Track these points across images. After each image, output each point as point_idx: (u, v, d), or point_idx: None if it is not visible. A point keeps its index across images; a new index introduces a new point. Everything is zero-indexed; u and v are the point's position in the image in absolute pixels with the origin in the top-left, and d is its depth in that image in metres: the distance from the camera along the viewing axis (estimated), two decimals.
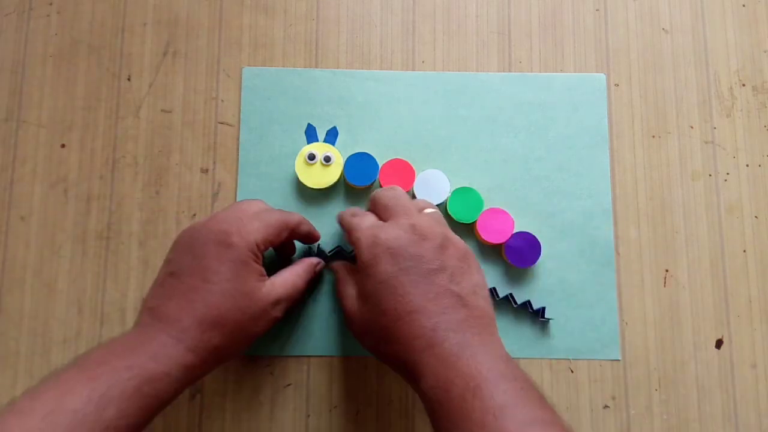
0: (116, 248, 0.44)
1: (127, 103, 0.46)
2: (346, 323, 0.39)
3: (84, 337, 0.43)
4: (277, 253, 0.43)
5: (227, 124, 0.46)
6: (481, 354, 0.32)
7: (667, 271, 0.45)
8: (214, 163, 0.45)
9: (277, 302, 0.36)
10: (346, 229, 0.39)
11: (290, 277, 0.38)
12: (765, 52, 0.48)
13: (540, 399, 0.31)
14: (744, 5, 0.48)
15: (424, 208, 0.39)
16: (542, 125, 0.46)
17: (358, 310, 0.36)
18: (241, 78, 0.46)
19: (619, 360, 0.43)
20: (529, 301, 0.43)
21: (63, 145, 0.45)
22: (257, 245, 0.36)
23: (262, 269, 0.36)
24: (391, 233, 0.35)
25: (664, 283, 0.44)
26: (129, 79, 0.46)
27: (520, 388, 0.31)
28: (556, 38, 0.48)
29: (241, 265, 0.35)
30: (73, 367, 0.31)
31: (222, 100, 0.46)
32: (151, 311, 0.34)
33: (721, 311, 0.44)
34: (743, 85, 0.47)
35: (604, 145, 0.46)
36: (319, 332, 0.43)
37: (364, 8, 0.48)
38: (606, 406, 0.43)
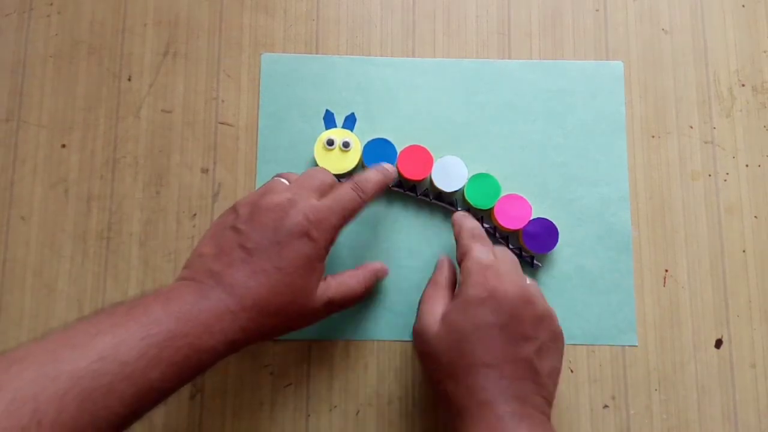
0: (116, 248, 0.44)
1: (127, 104, 0.46)
2: (414, 335, 0.38)
3: None
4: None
5: (227, 124, 0.46)
6: None
7: (666, 271, 0.45)
8: (215, 163, 0.45)
9: (328, 304, 0.37)
10: (460, 244, 0.39)
11: (348, 281, 0.38)
12: (765, 52, 0.48)
13: None
14: (744, 5, 0.48)
15: (527, 278, 0.38)
16: (560, 112, 0.46)
17: (436, 333, 0.36)
18: (240, 77, 0.47)
19: (636, 345, 0.43)
20: (520, 248, 0.43)
21: (63, 146, 0.45)
22: (332, 242, 0.36)
23: (324, 268, 0.37)
24: (505, 286, 0.35)
25: (664, 283, 0.44)
26: (129, 80, 0.46)
27: None
28: (556, 38, 0.48)
29: (314, 262, 0.35)
30: (129, 316, 0.30)
31: (222, 101, 0.46)
32: (214, 275, 0.34)
33: (721, 311, 0.44)
34: (743, 85, 0.47)
35: (621, 132, 0.46)
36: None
37: (364, 8, 0.48)
38: (606, 406, 0.43)
